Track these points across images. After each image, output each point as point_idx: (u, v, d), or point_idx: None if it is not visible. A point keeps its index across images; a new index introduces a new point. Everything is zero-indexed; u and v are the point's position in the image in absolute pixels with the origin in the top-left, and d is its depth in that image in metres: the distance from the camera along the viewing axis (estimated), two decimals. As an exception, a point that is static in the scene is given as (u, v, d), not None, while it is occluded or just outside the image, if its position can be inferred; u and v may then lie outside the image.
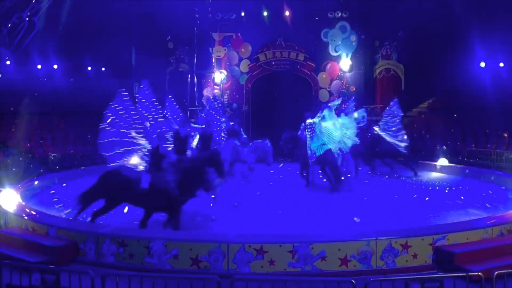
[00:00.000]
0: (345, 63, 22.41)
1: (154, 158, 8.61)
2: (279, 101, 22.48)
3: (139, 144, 8.93)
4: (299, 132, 12.93)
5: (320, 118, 11.50)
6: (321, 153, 11.33)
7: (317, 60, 22.70)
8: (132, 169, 8.58)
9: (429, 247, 7.00)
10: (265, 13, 22.02)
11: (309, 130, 11.43)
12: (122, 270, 6.19)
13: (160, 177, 8.28)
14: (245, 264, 6.67)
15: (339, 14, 22.20)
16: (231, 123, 13.34)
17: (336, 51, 22.58)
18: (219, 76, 22.39)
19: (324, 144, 11.27)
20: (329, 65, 22.69)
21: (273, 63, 22.78)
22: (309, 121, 11.66)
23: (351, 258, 6.78)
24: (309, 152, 11.50)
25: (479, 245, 7.14)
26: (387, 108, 15.23)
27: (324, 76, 22.79)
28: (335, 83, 22.70)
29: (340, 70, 22.60)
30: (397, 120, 14.73)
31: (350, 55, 22.48)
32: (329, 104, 12.46)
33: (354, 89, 22.64)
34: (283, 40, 22.56)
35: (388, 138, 14.21)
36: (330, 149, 11.36)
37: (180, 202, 8.40)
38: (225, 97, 22.60)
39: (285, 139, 13.10)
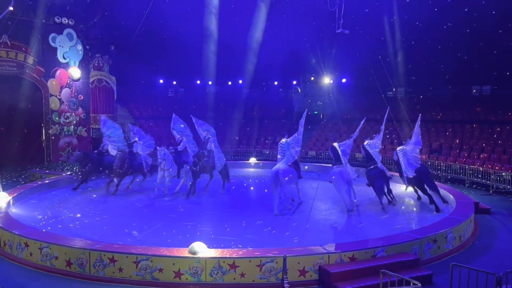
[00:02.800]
0: (73, 71, 22.22)
1: None
2: (3, 108, 19.39)
3: None
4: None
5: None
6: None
7: (47, 65, 21.15)
8: None
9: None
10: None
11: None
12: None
13: None
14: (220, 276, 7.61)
15: (66, 21, 21.73)
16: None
17: (64, 58, 21.93)
18: None
19: None
20: (58, 72, 21.70)
21: (-4, 63, 19.18)
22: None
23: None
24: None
25: (351, 266, 7.74)
26: None
27: (54, 83, 21.56)
28: (65, 91, 22.02)
29: (69, 77, 22.17)
30: None
31: (77, 63, 22.49)
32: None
33: (82, 97, 22.86)
34: (8, 38, 19.44)
35: None
36: None
37: None
38: None
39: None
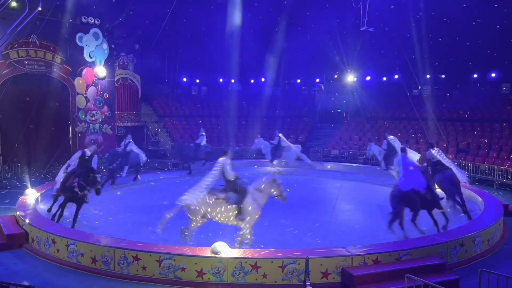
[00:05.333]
0: (99, 70, 22.61)
1: None
2: (32, 106, 19.88)
3: None
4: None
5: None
6: None
7: (74, 64, 21.60)
8: None
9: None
10: (13, 4, 18.75)
11: None
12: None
13: None
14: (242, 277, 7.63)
15: (92, 21, 22.12)
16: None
17: (90, 57, 22.34)
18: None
19: None
20: (85, 71, 22.12)
21: (25, 62, 19.68)
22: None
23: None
24: None
25: (375, 269, 7.64)
26: None
27: (80, 81, 21.99)
28: (91, 89, 22.44)
29: (95, 76, 22.58)
30: None
31: (103, 62, 22.87)
32: None
33: (107, 96, 23.25)
34: (37, 38, 19.91)
35: None
36: None
37: None
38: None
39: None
